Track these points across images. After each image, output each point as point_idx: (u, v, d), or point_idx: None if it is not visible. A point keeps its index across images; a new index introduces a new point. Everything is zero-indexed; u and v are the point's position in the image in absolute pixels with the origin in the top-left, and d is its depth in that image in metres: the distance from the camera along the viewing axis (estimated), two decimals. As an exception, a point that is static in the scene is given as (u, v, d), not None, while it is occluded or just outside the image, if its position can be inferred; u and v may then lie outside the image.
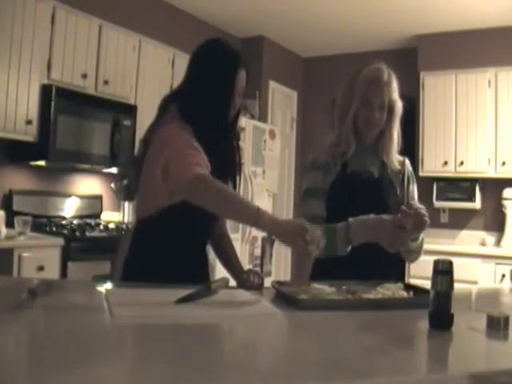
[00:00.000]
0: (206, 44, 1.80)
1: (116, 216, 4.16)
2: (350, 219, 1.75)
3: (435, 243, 4.60)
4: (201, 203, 1.53)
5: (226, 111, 1.72)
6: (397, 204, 1.88)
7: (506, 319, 1.28)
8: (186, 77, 1.78)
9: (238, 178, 1.82)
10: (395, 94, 1.89)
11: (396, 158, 1.98)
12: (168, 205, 1.64)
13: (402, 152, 2.02)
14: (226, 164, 1.75)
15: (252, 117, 4.89)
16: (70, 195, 3.95)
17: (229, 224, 2.02)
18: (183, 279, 1.56)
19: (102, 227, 3.69)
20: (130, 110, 3.97)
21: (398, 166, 1.99)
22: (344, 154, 1.90)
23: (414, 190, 2.02)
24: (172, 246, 1.71)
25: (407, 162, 2.04)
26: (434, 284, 1.26)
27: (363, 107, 1.86)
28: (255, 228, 1.54)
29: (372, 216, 1.74)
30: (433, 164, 4.77)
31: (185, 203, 1.56)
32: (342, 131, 1.90)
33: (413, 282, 2.19)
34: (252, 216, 1.47)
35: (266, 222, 1.46)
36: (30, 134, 3.35)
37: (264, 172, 4.87)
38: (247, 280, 1.73)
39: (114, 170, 4.11)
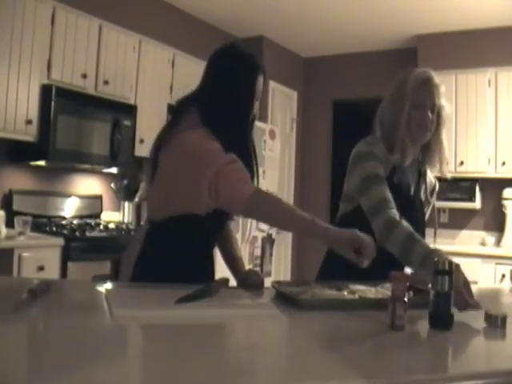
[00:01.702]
0: (224, 49, 1.79)
1: (116, 216, 4.16)
2: (435, 248, 1.59)
3: (435, 243, 4.60)
4: (258, 219, 1.57)
5: (247, 117, 1.74)
6: (423, 226, 1.84)
7: (504, 318, 1.28)
8: (204, 82, 1.77)
9: (256, 182, 1.81)
10: (443, 101, 1.81)
11: (435, 174, 1.90)
12: (194, 212, 1.65)
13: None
14: (250, 171, 1.74)
15: (252, 117, 4.89)
16: (70, 195, 3.95)
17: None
18: (193, 280, 1.55)
19: (101, 227, 3.69)
20: (130, 110, 3.97)
21: (433, 181, 1.94)
22: (397, 162, 1.80)
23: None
24: (186, 248, 1.70)
25: (437, 186, 2.00)
26: (433, 284, 1.26)
27: (415, 110, 1.77)
28: (309, 237, 1.55)
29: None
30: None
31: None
32: (398, 137, 1.78)
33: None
34: (307, 227, 1.51)
35: (320, 231, 1.49)
36: (29, 134, 3.35)
37: (264, 172, 4.87)
38: (247, 280, 1.74)
39: (114, 169, 4.11)
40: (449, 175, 1.90)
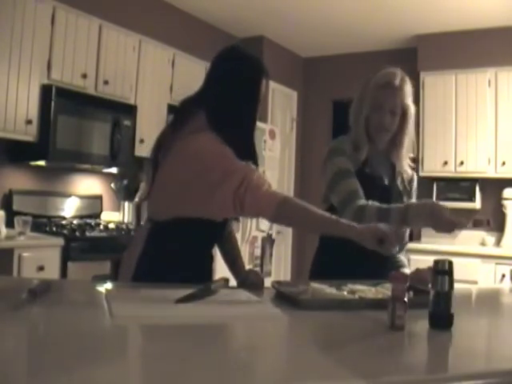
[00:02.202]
0: (228, 52, 1.79)
1: (116, 216, 4.16)
2: (410, 202, 1.75)
3: (435, 243, 4.61)
4: (286, 225, 1.62)
5: (253, 120, 1.76)
6: None
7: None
8: (208, 84, 1.77)
9: None
10: (408, 99, 1.87)
11: (407, 165, 1.98)
12: (209, 217, 1.66)
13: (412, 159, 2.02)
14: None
15: (252, 117, 4.88)
16: (70, 195, 3.95)
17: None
18: (193, 280, 1.55)
19: (102, 227, 3.69)
20: (130, 110, 3.97)
21: (409, 172, 1.99)
22: (360, 158, 1.90)
23: None
24: (188, 247, 1.70)
25: (415, 177, 2.05)
26: (433, 284, 1.26)
27: (374, 111, 1.86)
28: (336, 235, 1.59)
29: (430, 201, 1.76)
30: (433, 164, 4.76)
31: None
32: (355, 136, 1.90)
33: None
34: (334, 228, 1.58)
35: (346, 230, 1.55)
36: (30, 134, 3.35)
37: (264, 172, 4.87)
38: (247, 280, 1.74)
39: (114, 169, 4.11)
40: (409, 171, 2.00)
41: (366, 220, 1.70)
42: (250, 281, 1.73)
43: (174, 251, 1.69)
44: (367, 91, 1.88)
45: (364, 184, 1.84)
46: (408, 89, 1.88)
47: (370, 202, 1.76)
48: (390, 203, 1.84)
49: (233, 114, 1.70)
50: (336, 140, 1.99)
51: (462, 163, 4.65)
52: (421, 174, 4.83)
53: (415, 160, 2.04)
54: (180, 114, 1.78)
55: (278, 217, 1.61)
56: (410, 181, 2.02)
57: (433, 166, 4.76)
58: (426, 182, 4.87)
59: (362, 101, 1.88)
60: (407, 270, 1.95)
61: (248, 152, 1.73)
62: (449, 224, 1.64)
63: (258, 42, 5.30)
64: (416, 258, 3.72)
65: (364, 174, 1.88)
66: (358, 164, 1.89)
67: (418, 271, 1.78)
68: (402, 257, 2.05)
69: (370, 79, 1.90)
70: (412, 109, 1.89)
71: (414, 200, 2.00)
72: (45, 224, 3.48)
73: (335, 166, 1.87)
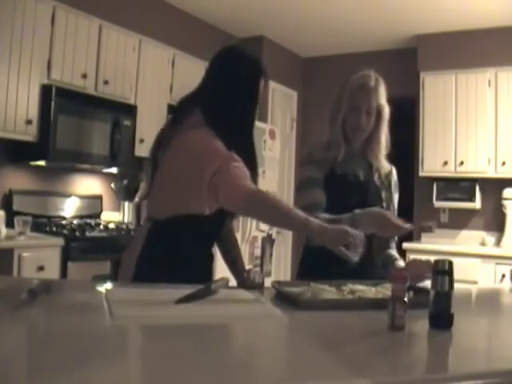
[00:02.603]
0: (227, 51, 1.80)
1: (116, 216, 4.16)
2: (356, 210, 1.79)
3: (435, 243, 4.61)
4: (254, 218, 1.63)
5: (251, 119, 1.77)
6: (380, 207, 1.97)
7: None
8: (206, 82, 1.78)
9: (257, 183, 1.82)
10: (383, 100, 1.96)
11: (384, 161, 2.05)
12: (197, 212, 1.65)
13: (397, 155, 2.07)
14: (253, 172, 1.75)
15: (252, 117, 4.88)
16: (70, 195, 3.95)
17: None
18: (195, 279, 1.54)
19: (101, 227, 3.69)
20: (130, 110, 3.97)
21: (386, 169, 2.06)
22: (334, 158, 1.97)
23: (396, 200, 2.11)
24: (187, 246, 1.70)
25: (394, 171, 2.12)
26: (433, 284, 1.26)
27: (351, 113, 1.94)
28: (305, 234, 1.61)
29: (376, 208, 1.81)
30: (433, 164, 4.76)
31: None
32: (332, 136, 1.98)
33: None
34: (302, 226, 1.56)
35: (314, 229, 1.54)
36: (30, 134, 3.35)
37: (264, 172, 4.87)
38: (247, 280, 1.74)
39: (114, 169, 4.11)
40: (387, 166, 2.06)
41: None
42: (249, 281, 1.74)
43: (174, 250, 1.69)
44: (344, 93, 1.96)
45: (337, 184, 1.95)
46: (382, 90, 1.96)
47: (326, 215, 1.81)
48: (368, 198, 1.95)
49: (229, 113, 1.71)
50: (309, 146, 2.15)
51: (462, 163, 4.64)
52: (421, 174, 4.83)
53: (392, 156, 2.10)
54: (178, 111, 1.79)
55: (248, 207, 1.58)
56: (388, 175, 2.08)
57: (433, 166, 4.76)
58: (426, 182, 4.87)
59: (340, 102, 1.97)
60: (401, 263, 2.00)
61: (247, 151, 1.72)
62: (395, 228, 1.73)
63: (258, 42, 5.30)
64: (416, 258, 3.72)
65: (336, 175, 1.96)
66: (330, 166, 1.97)
67: (414, 262, 1.81)
68: (393, 251, 2.08)
69: (346, 82, 1.99)
70: (386, 108, 1.97)
71: (396, 195, 2.09)
72: (45, 224, 3.48)
73: (301, 175, 2.01)
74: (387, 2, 4.34)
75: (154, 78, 4.21)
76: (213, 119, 1.68)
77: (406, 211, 2.17)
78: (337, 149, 1.96)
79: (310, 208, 1.85)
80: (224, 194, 1.57)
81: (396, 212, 2.09)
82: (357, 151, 2.01)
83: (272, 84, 5.46)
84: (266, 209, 1.58)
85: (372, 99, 1.92)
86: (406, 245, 4.42)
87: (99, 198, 4.19)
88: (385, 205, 2.02)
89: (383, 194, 2.04)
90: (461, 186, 4.71)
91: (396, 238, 2.11)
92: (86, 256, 3.32)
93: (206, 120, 1.68)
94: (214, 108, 1.70)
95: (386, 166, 2.05)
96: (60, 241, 3.22)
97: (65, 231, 3.37)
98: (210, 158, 1.60)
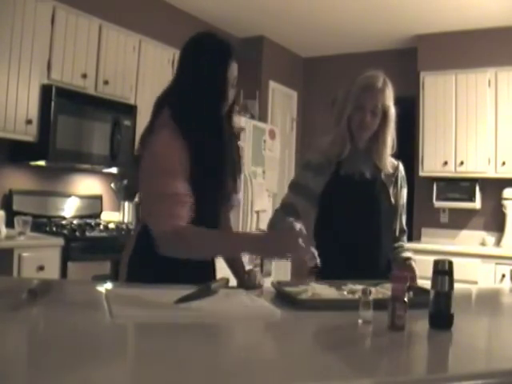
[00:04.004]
0: (194, 37, 1.72)
1: (116, 216, 4.16)
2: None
3: (435, 243, 4.61)
4: (183, 257, 1.57)
5: (219, 104, 1.67)
6: (389, 204, 2.02)
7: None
8: (176, 73, 1.74)
9: (238, 177, 1.81)
10: (389, 101, 1.97)
11: (389, 162, 2.06)
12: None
13: (397, 156, 2.10)
14: (225, 163, 1.71)
15: (252, 117, 4.88)
16: (69, 195, 3.95)
17: (231, 223, 2.02)
18: (193, 280, 1.54)
19: (101, 227, 3.69)
20: (130, 110, 3.97)
21: (390, 170, 2.08)
22: (339, 155, 2.00)
23: (404, 194, 2.12)
24: None
25: (401, 166, 2.13)
26: (433, 284, 1.26)
27: (356, 111, 1.96)
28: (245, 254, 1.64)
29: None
30: (433, 164, 4.76)
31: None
32: (338, 133, 2.01)
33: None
34: (234, 251, 1.64)
35: (251, 250, 1.58)
36: (29, 134, 3.35)
37: (264, 172, 4.87)
38: (247, 280, 1.74)
39: (114, 169, 4.11)
40: (389, 168, 2.06)
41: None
42: (250, 281, 1.73)
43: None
44: (350, 92, 1.98)
45: (344, 185, 1.98)
46: (389, 91, 1.97)
47: (291, 219, 1.72)
48: (375, 196, 2.00)
49: (195, 104, 1.65)
50: (310, 150, 2.18)
51: (462, 163, 4.64)
52: (421, 173, 4.83)
53: (398, 156, 2.12)
54: (153, 108, 1.77)
55: (168, 253, 1.55)
56: (395, 169, 2.09)
57: (433, 166, 4.76)
58: (426, 182, 4.87)
59: (346, 101, 1.99)
60: (409, 254, 2.14)
61: (216, 141, 1.67)
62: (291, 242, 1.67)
63: (258, 42, 5.30)
64: (416, 258, 3.71)
65: (341, 176, 1.99)
66: (333, 166, 1.99)
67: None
68: (402, 243, 2.16)
69: (353, 81, 2.00)
70: (392, 110, 1.99)
71: (404, 190, 2.11)
72: (45, 224, 3.48)
73: (295, 177, 2.14)
74: (387, 2, 4.34)
75: (153, 78, 4.21)
76: (178, 112, 1.65)
77: (405, 211, 2.17)
78: (342, 145, 1.99)
79: (286, 207, 2.02)
80: (150, 223, 1.60)
81: (405, 206, 2.13)
82: (362, 150, 2.03)
83: (272, 84, 5.46)
84: (187, 248, 1.56)
85: (378, 99, 1.94)
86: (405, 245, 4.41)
87: (99, 198, 4.19)
88: (393, 201, 2.05)
89: (391, 190, 2.06)
90: (461, 186, 4.71)
91: (406, 228, 2.16)
92: (85, 256, 3.32)
93: (173, 116, 1.65)
94: (180, 99, 1.67)
95: (389, 167, 2.06)
96: (60, 241, 3.22)
97: (65, 231, 3.37)
98: (153, 172, 1.63)
